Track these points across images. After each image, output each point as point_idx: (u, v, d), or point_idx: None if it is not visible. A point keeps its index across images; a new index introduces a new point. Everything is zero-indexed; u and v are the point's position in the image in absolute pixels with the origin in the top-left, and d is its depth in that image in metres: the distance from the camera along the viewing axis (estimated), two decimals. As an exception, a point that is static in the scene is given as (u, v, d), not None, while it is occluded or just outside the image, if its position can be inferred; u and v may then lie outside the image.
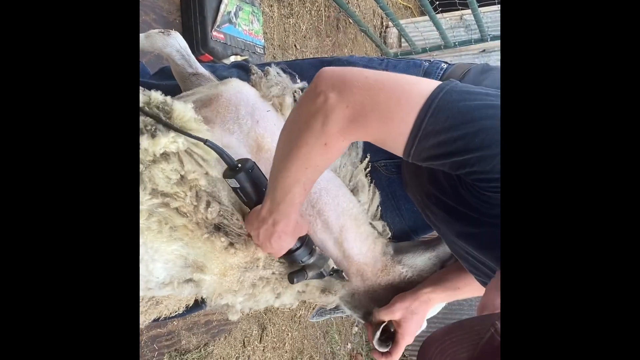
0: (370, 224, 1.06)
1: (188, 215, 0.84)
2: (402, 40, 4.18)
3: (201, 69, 1.12)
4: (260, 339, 2.85)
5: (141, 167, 0.77)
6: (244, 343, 2.74)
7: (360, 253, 1.02)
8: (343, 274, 0.99)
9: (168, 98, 0.82)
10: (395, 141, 0.72)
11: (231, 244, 0.89)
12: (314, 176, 0.81)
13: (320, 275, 0.98)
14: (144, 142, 0.75)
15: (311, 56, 3.30)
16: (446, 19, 4.07)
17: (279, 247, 0.91)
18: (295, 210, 0.86)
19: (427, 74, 1.06)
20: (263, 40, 2.43)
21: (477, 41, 3.83)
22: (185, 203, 0.82)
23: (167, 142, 0.77)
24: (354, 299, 1.05)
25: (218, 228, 0.88)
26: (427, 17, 3.68)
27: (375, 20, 4.32)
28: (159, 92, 0.82)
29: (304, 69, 1.11)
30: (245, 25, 2.30)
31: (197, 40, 2.05)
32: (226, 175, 0.88)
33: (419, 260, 1.04)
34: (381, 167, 1.09)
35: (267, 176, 0.87)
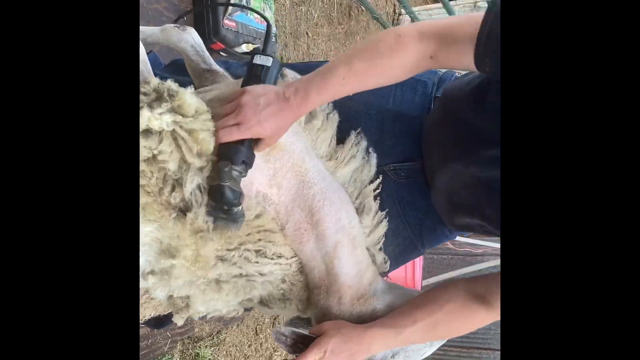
0: (368, 249, 1.02)
1: (152, 195, 0.82)
2: (415, 27, 4.14)
3: (215, 66, 1.10)
4: (273, 325, 2.87)
5: None
6: (256, 330, 2.77)
7: (348, 275, 0.97)
8: (241, 211, 0.86)
9: (174, 85, 0.81)
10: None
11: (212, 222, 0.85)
12: (364, 75, 0.83)
13: (225, 202, 0.83)
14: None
15: (323, 44, 3.28)
16: (459, 5, 4.01)
17: (273, 126, 0.82)
18: (315, 101, 0.84)
19: (441, 79, 1.07)
20: (275, 28, 2.41)
21: (491, 28, 3.77)
22: (149, 183, 0.81)
23: (150, 117, 0.75)
24: (321, 319, 0.99)
25: (184, 211, 0.84)
26: (440, 4, 3.63)
27: (387, 8, 4.28)
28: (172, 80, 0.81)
29: (309, 65, 1.09)
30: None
31: (209, 28, 2.04)
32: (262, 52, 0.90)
33: (392, 297, 1.00)
34: (390, 171, 1.06)
35: None
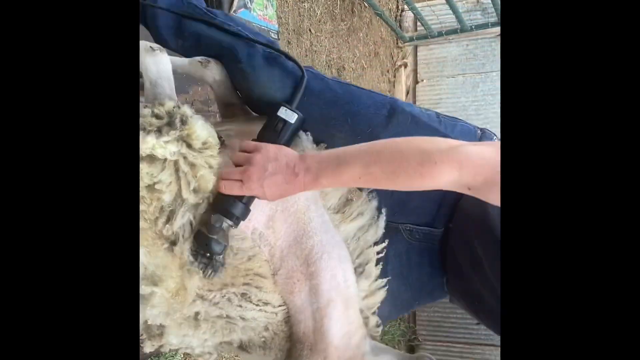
0: (362, 311, 0.98)
1: (148, 222, 0.81)
2: (418, 23, 4.13)
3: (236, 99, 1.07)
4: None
5: None
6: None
7: (337, 335, 0.92)
8: (221, 261, 0.86)
9: (189, 111, 0.80)
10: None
11: (192, 262, 0.84)
12: (381, 182, 0.78)
13: (211, 247, 0.83)
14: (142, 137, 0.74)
15: (326, 41, 3.27)
16: (463, 2, 4.00)
17: (275, 193, 0.82)
18: (323, 185, 0.81)
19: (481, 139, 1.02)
20: (277, 25, 2.41)
21: (493, 25, 3.76)
22: (148, 210, 0.79)
23: (155, 144, 0.74)
24: None
25: (174, 243, 0.83)
26: (443, 0, 3.62)
27: (390, 4, 4.26)
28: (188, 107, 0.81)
29: (363, 104, 0.99)
30: (260, 10, 2.28)
31: (212, 25, 2.05)
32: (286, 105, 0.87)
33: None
34: (406, 231, 1.02)
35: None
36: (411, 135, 0.92)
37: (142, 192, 0.78)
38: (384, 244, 0.98)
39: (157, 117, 0.76)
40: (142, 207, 0.79)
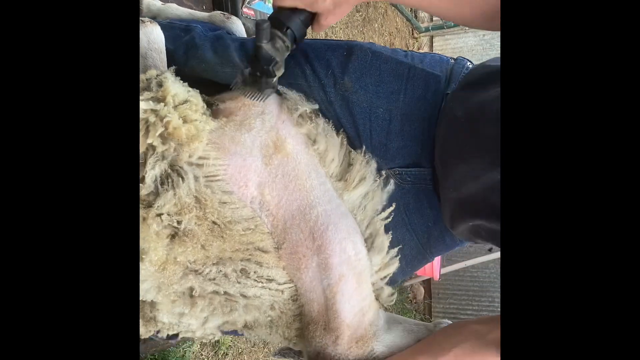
0: (374, 283, 0.92)
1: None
2: (434, 16, 4.09)
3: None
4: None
5: None
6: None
7: (350, 313, 0.87)
8: (272, 83, 0.82)
9: (170, 76, 0.79)
10: None
11: (172, 236, 0.79)
12: None
13: (261, 72, 0.81)
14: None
15: (341, 32, 3.26)
16: None
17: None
18: None
19: (453, 72, 0.96)
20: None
21: (511, 14, 3.71)
22: None
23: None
24: (315, 358, 0.90)
25: (150, 205, 0.78)
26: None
27: (406, -6, 4.23)
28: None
29: (318, 51, 0.98)
30: (275, 1, 2.29)
31: (227, 17, 2.05)
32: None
33: (393, 336, 0.90)
34: (395, 175, 0.96)
35: None
36: (371, 71, 0.92)
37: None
38: (390, 208, 0.94)
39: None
40: None
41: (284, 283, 0.88)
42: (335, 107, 0.93)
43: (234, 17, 1.08)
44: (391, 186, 0.95)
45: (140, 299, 0.82)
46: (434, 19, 4.20)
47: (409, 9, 4.12)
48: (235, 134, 0.86)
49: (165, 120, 0.75)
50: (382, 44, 3.65)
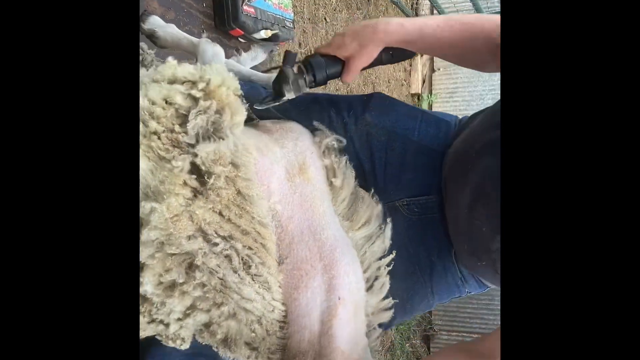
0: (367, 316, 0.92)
1: (164, 127, 0.78)
2: (435, 11, 4.07)
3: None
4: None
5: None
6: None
7: (345, 339, 0.84)
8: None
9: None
10: None
11: (196, 194, 0.78)
12: (442, 44, 0.91)
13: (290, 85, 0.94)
14: None
15: (340, 29, 3.25)
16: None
17: (354, 43, 0.91)
18: (390, 35, 0.90)
19: (461, 122, 1.07)
20: (292, 14, 2.40)
21: (512, 12, 3.69)
22: (166, 115, 0.78)
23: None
24: None
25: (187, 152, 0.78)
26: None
27: (406, -8, 4.22)
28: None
29: (341, 97, 1.09)
30: (275, -1, 2.28)
31: (228, 14, 2.04)
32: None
33: None
34: (403, 206, 1.01)
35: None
36: (389, 111, 1.03)
37: (158, 100, 0.78)
38: (391, 256, 0.97)
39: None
40: (158, 111, 0.77)
41: (277, 300, 0.84)
42: (354, 142, 1.01)
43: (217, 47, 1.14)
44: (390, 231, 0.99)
45: (141, 242, 0.77)
46: (435, 17, 4.18)
47: (410, 7, 4.11)
48: (270, 143, 0.92)
49: (206, 77, 0.80)
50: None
